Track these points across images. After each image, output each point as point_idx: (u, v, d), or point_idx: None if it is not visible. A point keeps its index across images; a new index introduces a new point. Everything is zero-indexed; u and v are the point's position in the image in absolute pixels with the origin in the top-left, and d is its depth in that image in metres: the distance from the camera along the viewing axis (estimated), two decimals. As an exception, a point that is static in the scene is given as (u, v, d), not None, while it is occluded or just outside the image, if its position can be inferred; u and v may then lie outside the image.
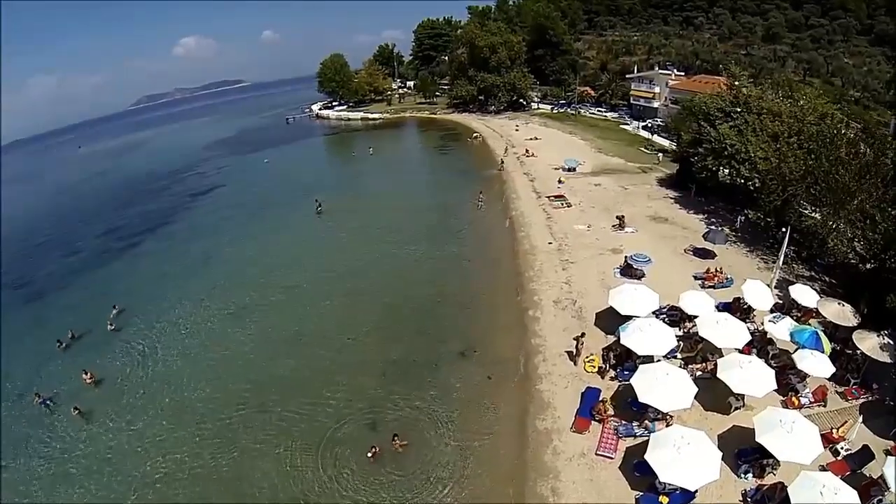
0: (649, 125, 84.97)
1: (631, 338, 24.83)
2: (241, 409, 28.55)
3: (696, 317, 27.23)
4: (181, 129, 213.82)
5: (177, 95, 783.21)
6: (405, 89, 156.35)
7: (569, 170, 61.81)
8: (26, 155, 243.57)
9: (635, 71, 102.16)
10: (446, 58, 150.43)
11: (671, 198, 50.54)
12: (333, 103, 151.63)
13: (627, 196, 51.74)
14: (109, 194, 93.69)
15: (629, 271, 35.08)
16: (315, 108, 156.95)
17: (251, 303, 40.92)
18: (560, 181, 57.58)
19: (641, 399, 21.25)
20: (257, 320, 38.21)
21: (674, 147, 61.74)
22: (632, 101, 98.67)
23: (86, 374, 33.22)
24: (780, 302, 29.52)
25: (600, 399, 23.80)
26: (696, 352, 26.50)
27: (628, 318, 27.05)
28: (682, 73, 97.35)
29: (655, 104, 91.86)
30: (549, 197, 53.10)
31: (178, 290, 45.21)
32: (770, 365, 23.56)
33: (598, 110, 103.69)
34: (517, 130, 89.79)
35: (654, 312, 28.47)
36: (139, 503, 23.30)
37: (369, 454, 23.60)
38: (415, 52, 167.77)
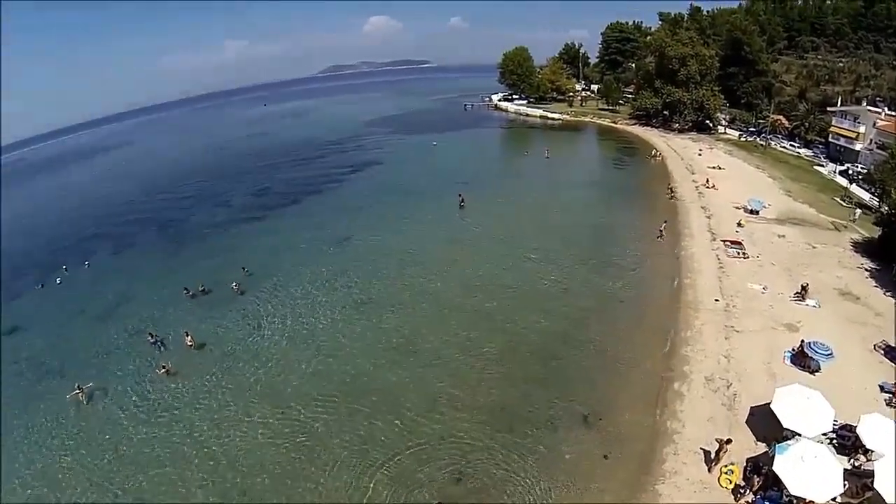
0: (849, 171, 74.19)
1: (787, 467, 19.89)
2: (330, 409, 28.15)
3: (873, 451, 21.57)
4: (360, 100, 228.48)
5: (363, 68, 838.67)
6: (588, 92, 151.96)
7: (751, 212, 56.19)
8: (213, 109, 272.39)
9: (838, 104, 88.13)
10: (633, 65, 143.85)
11: (867, 269, 42.51)
12: (513, 96, 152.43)
13: (814, 256, 45.16)
14: (271, 155, 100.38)
15: (802, 360, 29.04)
16: (494, 98, 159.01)
17: (374, 297, 40.48)
18: (740, 224, 52.73)
19: (775, 561, 17.62)
20: (375, 318, 37.39)
21: (877, 204, 53.00)
22: (830, 139, 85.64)
23: (187, 335, 35.10)
24: None
25: (724, 532, 19.61)
26: (861, 500, 20.66)
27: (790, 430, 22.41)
28: (894, 113, 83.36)
29: (858, 146, 78.99)
30: (724, 241, 48.52)
31: (309, 268, 46.29)
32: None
33: (791, 144, 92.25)
34: (699, 155, 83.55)
35: (824, 434, 22.98)
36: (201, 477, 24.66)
37: None
38: (601, 54, 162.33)
